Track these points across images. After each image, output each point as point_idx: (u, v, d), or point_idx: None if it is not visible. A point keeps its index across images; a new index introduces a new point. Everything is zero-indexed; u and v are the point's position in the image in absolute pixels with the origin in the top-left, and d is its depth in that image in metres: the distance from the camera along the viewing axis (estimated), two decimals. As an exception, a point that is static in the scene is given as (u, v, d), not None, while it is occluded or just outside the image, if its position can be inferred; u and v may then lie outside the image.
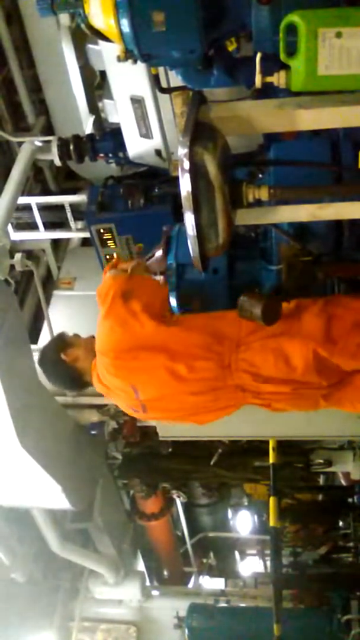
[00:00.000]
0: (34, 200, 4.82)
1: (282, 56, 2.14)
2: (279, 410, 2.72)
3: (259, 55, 2.26)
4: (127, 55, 2.53)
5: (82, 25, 2.61)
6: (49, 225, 5.06)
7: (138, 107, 3.79)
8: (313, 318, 2.55)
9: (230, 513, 9.00)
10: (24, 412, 3.70)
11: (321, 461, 5.04)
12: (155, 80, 3.57)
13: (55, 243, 5.66)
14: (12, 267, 4.00)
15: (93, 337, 2.82)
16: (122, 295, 2.64)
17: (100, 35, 2.59)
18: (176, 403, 2.71)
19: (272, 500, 4.33)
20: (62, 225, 5.13)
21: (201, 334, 2.60)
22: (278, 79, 2.18)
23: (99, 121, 4.86)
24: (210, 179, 2.14)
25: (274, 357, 2.52)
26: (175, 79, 3.12)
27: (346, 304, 2.60)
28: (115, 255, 4.20)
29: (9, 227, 4.35)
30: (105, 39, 2.57)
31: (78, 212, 4.94)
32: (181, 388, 2.62)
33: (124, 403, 2.83)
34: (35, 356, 3.76)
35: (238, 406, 2.73)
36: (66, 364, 2.83)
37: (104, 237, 4.14)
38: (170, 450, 5.19)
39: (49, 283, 5.55)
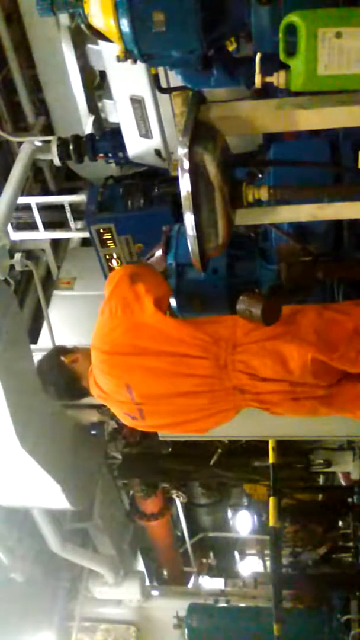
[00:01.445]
0: (33, 200, 4.82)
1: (282, 56, 2.14)
2: (278, 414, 2.71)
3: (258, 55, 2.26)
4: (127, 55, 2.53)
5: (82, 25, 2.61)
6: (48, 225, 5.06)
7: (138, 107, 3.79)
8: (311, 321, 2.53)
9: (230, 513, 9.00)
10: (24, 413, 3.70)
11: (321, 461, 5.05)
12: (155, 80, 3.57)
13: (55, 243, 5.66)
14: (12, 267, 3.99)
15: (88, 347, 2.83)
16: (130, 275, 2.63)
17: (100, 35, 2.59)
18: (172, 406, 2.67)
19: (272, 500, 4.33)
20: (62, 225, 5.12)
21: (197, 330, 2.57)
22: (278, 79, 2.18)
23: (99, 121, 4.85)
24: (210, 179, 2.14)
25: (271, 360, 2.50)
26: (175, 79, 3.12)
27: (346, 310, 2.58)
28: (115, 255, 4.20)
29: (9, 227, 4.35)
30: (105, 39, 2.57)
31: (78, 212, 4.93)
32: (176, 387, 2.59)
33: (121, 409, 2.79)
34: (35, 356, 3.77)
35: (237, 409, 2.70)
36: (65, 366, 2.83)
37: (104, 237, 4.14)
38: (170, 450, 5.19)
39: (49, 283, 5.54)
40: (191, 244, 2.26)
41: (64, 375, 2.85)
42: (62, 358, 2.84)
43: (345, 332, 2.48)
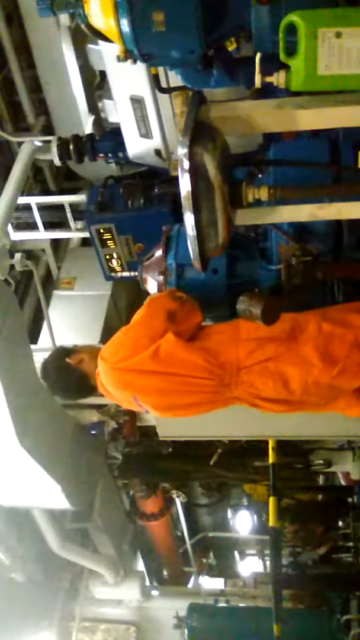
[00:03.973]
0: (33, 200, 4.82)
1: (282, 56, 2.14)
2: (267, 410, 2.75)
3: (258, 55, 2.26)
4: (127, 55, 2.53)
5: (82, 25, 2.61)
6: (48, 225, 5.06)
7: (138, 107, 3.79)
8: (309, 340, 2.54)
9: (230, 513, 9.01)
10: (24, 412, 3.70)
11: (321, 461, 5.04)
12: (155, 80, 3.57)
13: (55, 243, 5.66)
14: (12, 267, 3.99)
15: (91, 345, 2.87)
16: (168, 312, 2.66)
17: (100, 35, 2.59)
18: (174, 411, 2.78)
19: (271, 500, 4.32)
20: (62, 225, 5.12)
21: (208, 355, 2.59)
22: (278, 79, 2.18)
23: (99, 121, 4.86)
24: (210, 179, 2.14)
25: (273, 382, 2.56)
26: (175, 79, 3.12)
27: (346, 321, 2.57)
28: (115, 255, 4.20)
29: (9, 227, 4.35)
30: (105, 39, 2.57)
31: (78, 212, 4.93)
32: (181, 400, 2.67)
33: (126, 407, 2.90)
34: (36, 357, 3.78)
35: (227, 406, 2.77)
36: (72, 367, 2.84)
37: (104, 237, 4.14)
38: (170, 450, 5.19)
39: (49, 283, 5.55)
40: (191, 244, 2.26)
41: (73, 377, 2.86)
42: (68, 360, 2.85)
43: (345, 345, 2.50)
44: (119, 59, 2.56)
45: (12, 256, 3.94)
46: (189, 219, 2.17)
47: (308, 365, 2.51)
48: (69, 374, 2.86)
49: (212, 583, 8.62)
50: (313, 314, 2.64)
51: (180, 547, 8.57)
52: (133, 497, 6.87)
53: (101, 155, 4.33)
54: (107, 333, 4.63)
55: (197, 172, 2.12)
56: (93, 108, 4.85)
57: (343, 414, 2.82)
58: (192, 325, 2.71)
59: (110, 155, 4.33)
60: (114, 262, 4.25)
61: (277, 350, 2.54)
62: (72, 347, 2.95)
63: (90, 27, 2.56)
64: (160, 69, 3.55)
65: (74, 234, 5.13)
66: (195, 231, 2.20)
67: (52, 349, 3.39)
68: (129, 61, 2.57)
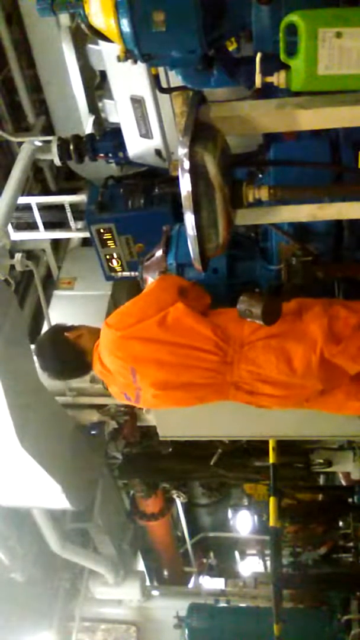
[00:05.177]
0: (34, 200, 4.81)
1: (282, 56, 2.14)
2: (263, 407, 2.75)
3: (259, 55, 2.26)
4: (127, 55, 2.53)
5: (82, 25, 2.61)
6: (49, 225, 5.06)
7: (138, 107, 3.79)
8: (315, 318, 2.54)
9: (230, 513, 9.01)
10: (24, 412, 3.70)
11: (321, 461, 5.05)
12: (155, 80, 3.56)
13: (55, 243, 5.66)
14: (12, 267, 3.99)
15: (91, 326, 2.87)
16: (179, 287, 2.67)
17: (100, 35, 2.58)
18: (168, 397, 2.72)
19: (272, 500, 4.32)
20: (62, 225, 5.12)
21: (215, 327, 2.58)
22: (278, 79, 2.18)
23: (99, 121, 4.85)
24: (210, 179, 2.14)
25: (275, 358, 2.53)
26: (175, 79, 3.11)
27: (350, 306, 2.60)
28: (115, 255, 4.20)
29: (9, 227, 4.35)
30: (105, 39, 2.57)
31: (78, 212, 4.93)
32: (179, 376, 2.62)
33: (120, 389, 2.81)
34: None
35: (223, 400, 2.75)
36: (69, 342, 2.84)
37: (104, 237, 4.14)
38: (170, 450, 5.19)
39: (49, 283, 5.54)
40: (191, 243, 2.26)
41: (69, 351, 2.85)
42: (67, 334, 2.85)
43: (349, 327, 2.51)
44: (119, 59, 2.56)
45: (12, 256, 3.94)
46: (189, 219, 2.18)
47: (311, 341, 2.50)
48: (66, 348, 2.85)
49: (212, 583, 8.64)
50: (320, 300, 2.65)
51: (180, 547, 8.58)
52: (133, 497, 6.88)
53: (101, 155, 4.33)
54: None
55: (197, 172, 2.12)
56: (93, 108, 4.85)
57: (341, 412, 2.81)
58: (202, 303, 2.71)
59: (110, 155, 4.32)
60: (114, 262, 4.25)
61: (281, 327, 2.52)
62: (71, 325, 2.95)
63: (90, 27, 2.56)
64: (161, 69, 3.54)
65: (74, 234, 5.13)
66: (195, 231, 2.20)
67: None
68: (129, 61, 2.57)
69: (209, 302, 2.75)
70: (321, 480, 7.33)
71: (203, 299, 2.74)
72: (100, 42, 3.22)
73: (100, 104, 4.87)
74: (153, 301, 2.64)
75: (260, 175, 2.92)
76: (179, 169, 2.11)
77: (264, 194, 2.28)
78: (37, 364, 3.11)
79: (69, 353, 2.86)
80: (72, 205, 4.87)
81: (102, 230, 4.11)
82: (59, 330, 2.93)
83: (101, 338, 2.72)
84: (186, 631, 5.73)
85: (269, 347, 2.53)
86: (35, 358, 3.11)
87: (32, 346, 4.00)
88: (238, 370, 2.58)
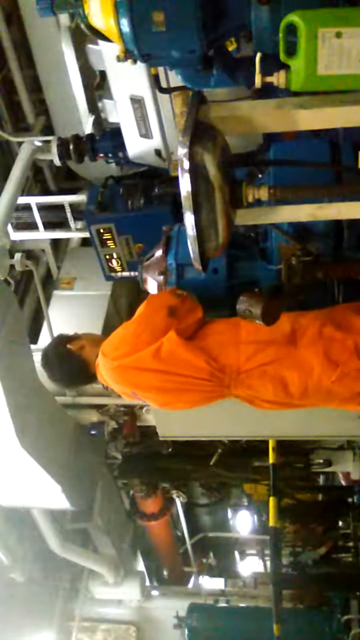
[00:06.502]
0: (33, 200, 4.82)
1: (282, 56, 2.14)
2: (262, 408, 2.76)
3: (258, 55, 2.27)
4: (127, 55, 2.53)
5: (82, 25, 2.61)
6: (48, 225, 5.06)
7: (138, 107, 3.79)
8: (310, 344, 2.54)
9: (230, 513, 9.00)
10: (23, 412, 3.70)
11: (321, 461, 5.04)
12: (155, 80, 3.57)
13: (55, 243, 5.66)
14: (12, 267, 3.99)
15: (92, 333, 2.89)
16: (169, 308, 2.66)
17: (100, 35, 2.59)
18: (171, 406, 2.81)
19: (272, 500, 4.33)
20: (62, 225, 5.13)
21: (208, 357, 2.59)
22: (278, 79, 2.18)
23: (99, 121, 4.85)
24: (210, 179, 2.14)
25: (272, 385, 2.56)
26: (175, 79, 3.12)
27: (347, 325, 2.57)
28: (115, 255, 4.20)
29: (9, 227, 4.35)
30: (105, 39, 2.57)
31: (78, 212, 4.94)
32: (178, 398, 2.70)
33: (127, 399, 2.93)
34: (36, 356, 3.77)
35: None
36: (73, 353, 2.85)
37: (104, 237, 4.14)
38: (170, 450, 5.19)
39: (49, 283, 5.55)
40: (191, 243, 2.25)
41: (74, 364, 2.87)
42: (69, 346, 2.86)
43: (345, 350, 2.51)
44: (119, 59, 2.56)
45: (12, 256, 3.94)
46: (189, 219, 2.17)
47: (308, 368, 2.51)
48: (70, 360, 2.86)
49: (212, 583, 8.63)
50: (314, 315, 2.64)
51: (180, 547, 8.57)
52: (133, 497, 6.87)
53: (101, 155, 4.33)
54: (107, 333, 4.57)
55: (197, 172, 2.12)
56: (93, 108, 4.85)
57: (342, 407, 2.80)
58: (193, 321, 2.71)
59: (110, 155, 4.32)
60: (114, 262, 4.26)
61: (277, 354, 2.55)
62: (73, 335, 2.96)
63: (90, 27, 2.56)
64: (160, 69, 3.55)
65: (74, 234, 5.13)
66: (195, 231, 2.20)
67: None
68: (129, 61, 2.57)
69: (200, 317, 2.74)
70: (321, 480, 7.32)
71: (194, 313, 2.72)
72: (100, 42, 3.22)
73: (100, 104, 4.88)
74: (146, 326, 2.65)
75: (260, 175, 2.92)
76: (179, 169, 2.11)
77: (263, 194, 2.28)
78: (38, 366, 3.12)
79: (74, 366, 2.88)
80: (72, 205, 4.88)
81: (101, 230, 4.11)
82: (61, 342, 2.93)
83: (99, 364, 2.75)
84: (186, 631, 5.73)
85: (264, 374, 2.56)
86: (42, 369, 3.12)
87: (32, 346, 4.02)
88: (236, 391, 2.64)
